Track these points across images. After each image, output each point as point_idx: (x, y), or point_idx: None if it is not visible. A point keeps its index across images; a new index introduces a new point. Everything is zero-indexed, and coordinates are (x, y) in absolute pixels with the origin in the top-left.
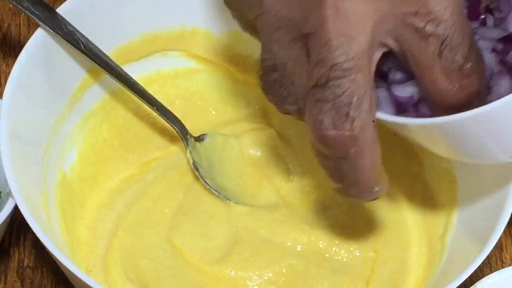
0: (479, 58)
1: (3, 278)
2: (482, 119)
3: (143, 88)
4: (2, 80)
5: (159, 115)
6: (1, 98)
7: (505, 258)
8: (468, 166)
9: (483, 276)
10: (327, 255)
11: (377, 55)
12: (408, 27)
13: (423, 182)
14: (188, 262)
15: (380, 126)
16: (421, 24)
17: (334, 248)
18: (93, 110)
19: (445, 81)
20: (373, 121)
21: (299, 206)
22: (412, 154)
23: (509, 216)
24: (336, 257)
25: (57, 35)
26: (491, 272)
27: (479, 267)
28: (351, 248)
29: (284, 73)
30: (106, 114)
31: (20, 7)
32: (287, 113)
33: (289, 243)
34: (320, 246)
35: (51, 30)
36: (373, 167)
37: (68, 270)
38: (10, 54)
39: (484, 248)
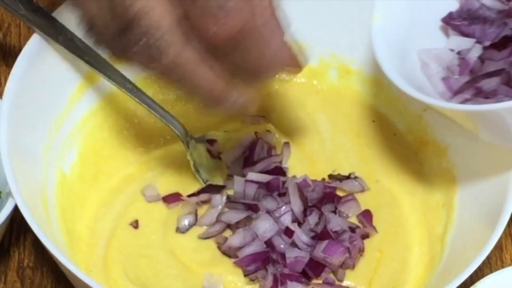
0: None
1: (3, 278)
2: None
3: (142, 91)
4: (2, 80)
5: (159, 118)
6: (1, 98)
7: (505, 258)
8: (468, 166)
9: (483, 276)
10: None
11: None
12: None
13: (423, 182)
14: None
15: (381, 125)
16: None
17: None
18: (93, 110)
19: (207, 23)
20: (191, 42)
21: None
22: (412, 154)
23: (509, 216)
24: None
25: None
26: (491, 272)
27: (479, 267)
28: None
29: (98, 27)
30: (106, 114)
31: (17, 15)
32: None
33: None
34: None
35: (49, 37)
36: (211, 79)
37: (68, 270)
38: (10, 54)
39: (484, 248)
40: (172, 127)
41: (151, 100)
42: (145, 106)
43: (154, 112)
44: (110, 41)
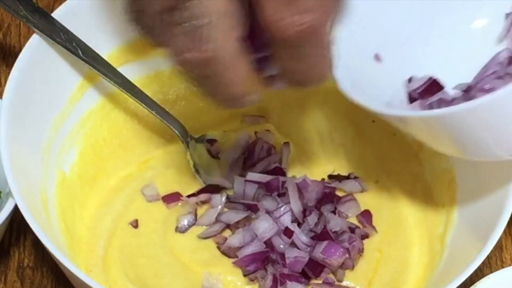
0: None
1: (3, 278)
2: (476, 112)
3: (142, 92)
4: (2, 80)
5: (159, 119)
6: (1, 98)
7: (505, 258)
8: (468, 166)
9: (483, 276)
10: None
11: None
12: None
13: (423, 182)
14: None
15: (381, 125)
16: None
17: None
18: (93, 110)
19: (273, 14)
20: (236, 39)
21: None
22: (412, 154)
23: (509, 216)
24: None
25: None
26: (491, 272)
27: (479, 267)
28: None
29: (141, 3)
30: (106, 114)
31: (17, 16)
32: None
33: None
34: None
35: (49, 38)
36: (240, 81)
37: (68, 270)
38: (10, 54)
39: (484, 248)
40: (172, 127)
41: (151, 100)
42: (145, 106)
43: (154, 112)
44: (151, 20)
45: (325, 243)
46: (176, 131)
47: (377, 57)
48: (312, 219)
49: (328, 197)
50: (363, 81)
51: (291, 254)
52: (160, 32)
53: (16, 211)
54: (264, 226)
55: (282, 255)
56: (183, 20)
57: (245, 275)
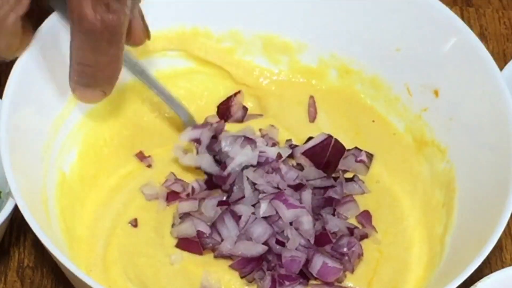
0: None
1: (3, 278)
2: None
3: (153, 76)
4: (2, 80)
5: (167, 103)
6: (1, 98)
7: (505, 258)
8: (468, 166)
9: (483, 276)
10: None
11: None
12: None
13: (423, 182)
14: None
15: (380, 125)
16: None
17: None
18: (93, 110)
19: (90, 10)
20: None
21: None
22: (412, 154)
23: (509, 216)
24: None
25: (57, 36)
26: (491, 272)
27: (479, 267)
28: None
29: None
30: (106, 114)
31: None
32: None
33: None
34: None
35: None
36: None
37: (68, 270)
38: None
39: (484, 248)
40: (178, 113)
41: (161, 84)
42: (154, 89)
43: (163, 97)
44: None
45: (320, 263)
46: (182, 117)
47: None
48: (309, 221)
49: (327, 198)
50: None
51: (287, 254)
52: None
53: (16, 211)
54: (258, 231)
55: (279, 256)
56: None
57: (242, 277)
